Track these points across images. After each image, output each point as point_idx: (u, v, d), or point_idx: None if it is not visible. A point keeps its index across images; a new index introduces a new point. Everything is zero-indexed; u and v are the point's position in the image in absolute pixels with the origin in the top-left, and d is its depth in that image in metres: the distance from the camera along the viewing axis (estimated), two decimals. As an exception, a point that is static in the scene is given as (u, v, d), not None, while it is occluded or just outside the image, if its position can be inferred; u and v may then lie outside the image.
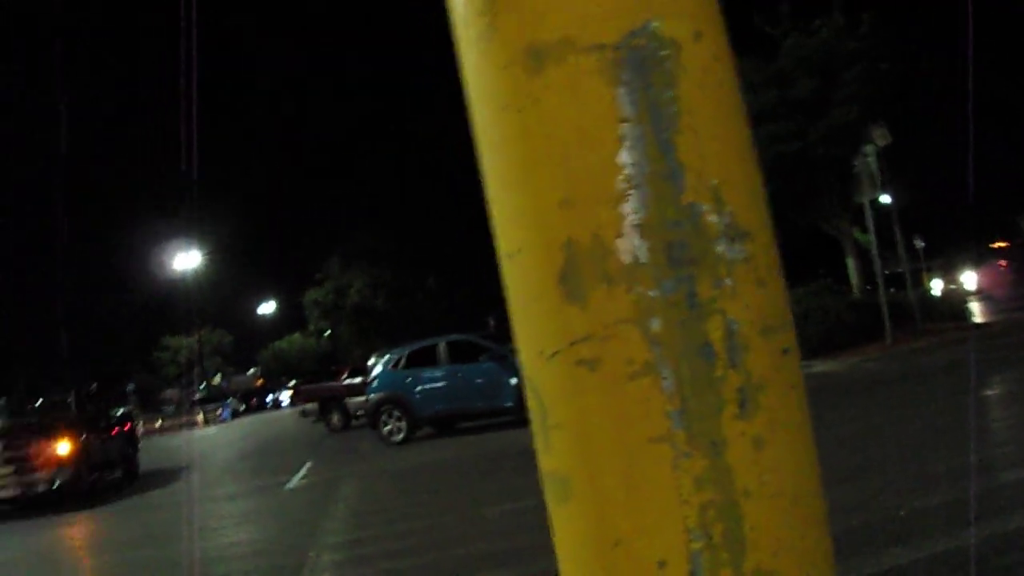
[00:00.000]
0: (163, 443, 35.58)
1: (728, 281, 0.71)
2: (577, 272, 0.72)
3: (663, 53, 0.72)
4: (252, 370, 75.23)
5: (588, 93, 0.72)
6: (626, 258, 0.71)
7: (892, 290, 20.62)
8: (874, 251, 18.23)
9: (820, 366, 17.00)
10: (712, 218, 0.72)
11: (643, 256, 0.71)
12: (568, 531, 0.78)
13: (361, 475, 12.99)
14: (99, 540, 11.75)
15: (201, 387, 64.83)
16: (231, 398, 59.21)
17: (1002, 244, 47.18)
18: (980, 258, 38.82)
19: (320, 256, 54.22)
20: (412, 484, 11.55)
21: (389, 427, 17.42)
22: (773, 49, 21.22)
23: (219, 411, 53.48)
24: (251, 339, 73.81)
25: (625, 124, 0.71)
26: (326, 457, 17.55)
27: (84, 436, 15.51)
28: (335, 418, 24.18)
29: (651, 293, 0.71)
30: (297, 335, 68.16)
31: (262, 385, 69.43)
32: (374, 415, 17.84)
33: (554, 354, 0.74)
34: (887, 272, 24.57)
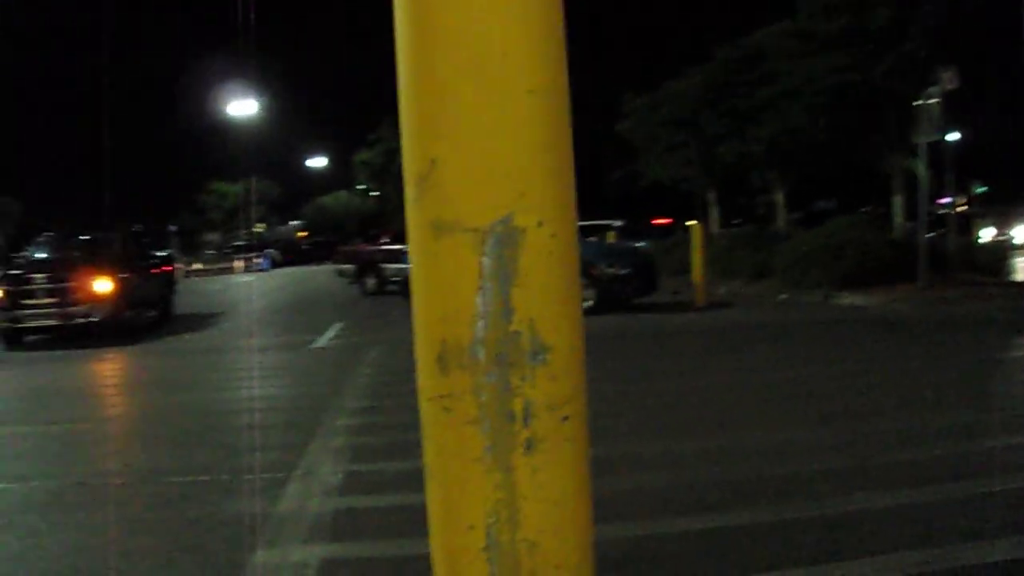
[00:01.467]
0: (200, 286, 36.22)
1: (529, 378, 1.22)
2: (446, 357, 1.23)
3: (514, 236, 1.20)
4: (295, 222, 74.65)
5: (463, 258, 1.22)
6: (472, 356, 1.22)
7: (935, 232, 20.20)
8: (924, 188, 17.84)
9: (848, 298, 17.09)
10: (526, 340, 1.22)
11: (481, 357, 1.22)
12: (430, 500, 1.31)
13: (389, 343, 13.37)
14: (128, 379, 12.40)
15: (243, 234, 64.42)
16: (272, 248, 58.46)
17: None
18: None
19: (376, 116, 53.23)
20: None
21: (423, 299, 18.06)
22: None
23: (259, 260, 53.05)
24: (299, 192, 72.90)
25: (481, 280, 1.21)
26: (357, 320, 18.10)
27: (125, 274, 16.01)
28: (370, 282, 24.77)
29: (483, 378, 1.22)
30: (344, 193, 67.48)
31: (305, 238, 68.69)
32: (407, 284, 18.53)
33: (429, 399, 1.25)
34: (936, 214, 24.06)
